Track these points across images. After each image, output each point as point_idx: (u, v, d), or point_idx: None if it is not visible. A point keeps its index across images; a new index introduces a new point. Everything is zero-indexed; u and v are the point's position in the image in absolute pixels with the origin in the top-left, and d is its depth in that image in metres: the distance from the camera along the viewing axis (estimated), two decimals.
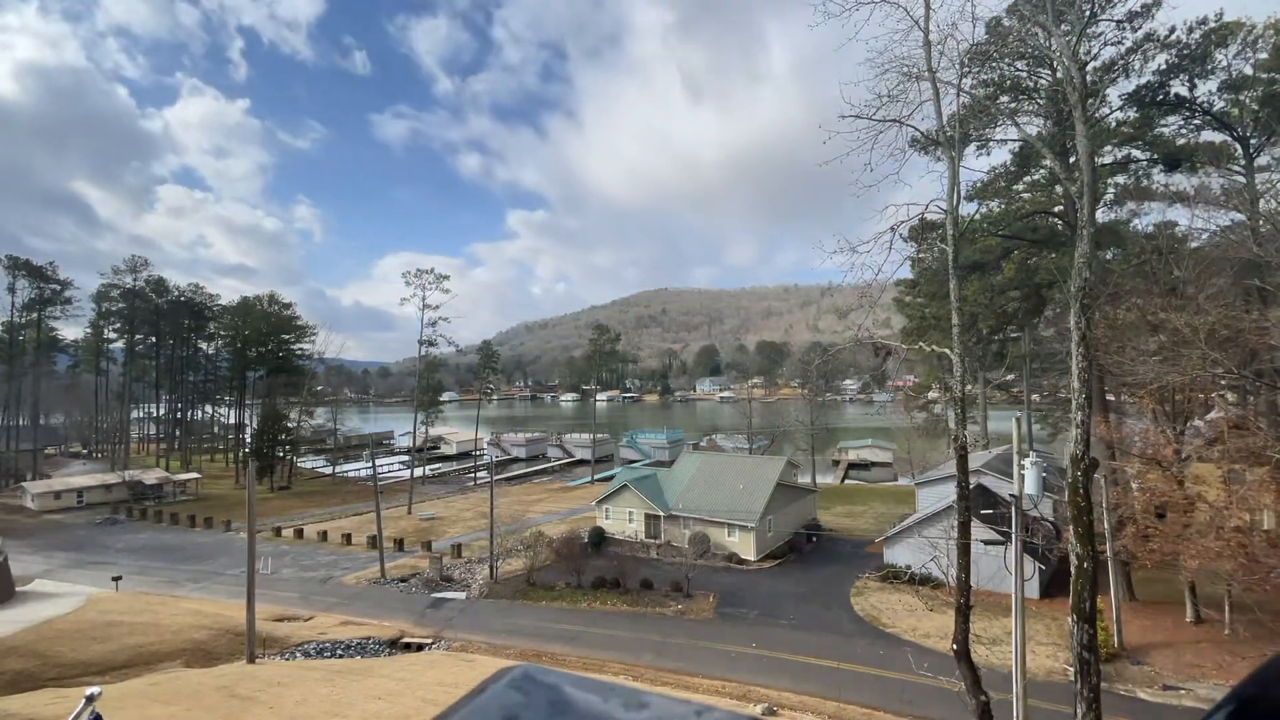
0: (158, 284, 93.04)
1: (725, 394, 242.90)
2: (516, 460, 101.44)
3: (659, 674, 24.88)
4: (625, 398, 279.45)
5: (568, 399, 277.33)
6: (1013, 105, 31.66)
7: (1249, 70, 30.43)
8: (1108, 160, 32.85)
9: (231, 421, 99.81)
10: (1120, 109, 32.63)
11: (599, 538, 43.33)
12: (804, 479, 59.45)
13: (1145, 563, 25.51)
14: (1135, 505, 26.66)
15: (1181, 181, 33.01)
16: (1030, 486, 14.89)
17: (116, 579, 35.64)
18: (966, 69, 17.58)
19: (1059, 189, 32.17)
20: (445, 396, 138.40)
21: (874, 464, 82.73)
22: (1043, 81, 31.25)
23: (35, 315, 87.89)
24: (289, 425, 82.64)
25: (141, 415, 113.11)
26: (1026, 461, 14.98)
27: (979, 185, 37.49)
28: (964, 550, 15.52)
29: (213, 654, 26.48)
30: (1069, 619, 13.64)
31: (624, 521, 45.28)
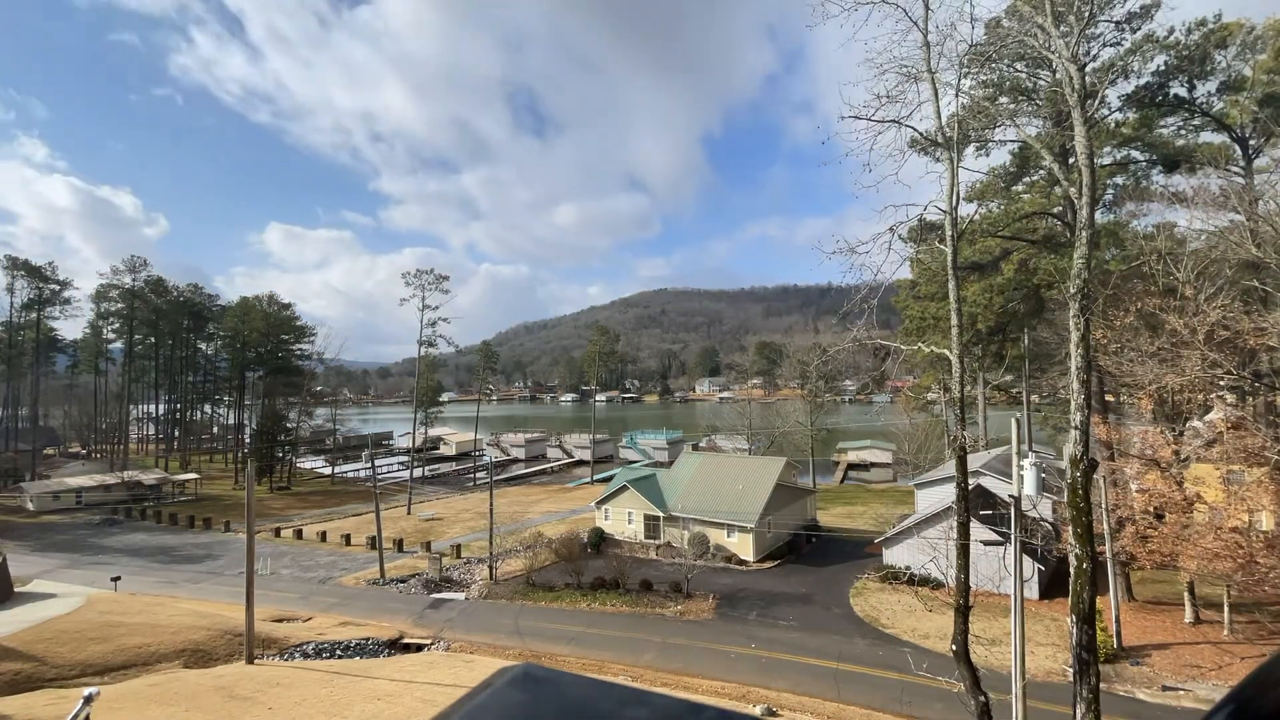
0: (157, 284, 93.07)
1: (725, 394, 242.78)
2: (516, 461, 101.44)
3: (659, 674, 24.86)
4: (625, 398, 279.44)
5: (567, 399, 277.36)
6: (1012, 106, 31.69)
7: (1248, 71, 30.46)
8: (1107, 161, 32.89)
9: (230, 422, 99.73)
10: (1119, 110, 32.68)
11: (598, 538, 43.31)
12: (803, 480, 59.44)
13: (1144, 563, 25.52)
14: (1134, 506, 26.67)
15: (1180, 182, 33.05)
16: (1029, 487, 14.91)
17: (115, 579, 35.59)
18: (966, 70, 17.59)
19: (1058, 190, 32.19)
20: (444, 397, 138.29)
21: (873, 464, 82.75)
22: (1042, 83, 31.29)
23: (34, 315, 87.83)
24: (288, 426, 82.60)
25: (140, 416, 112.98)
26: (1025, 462, 14.99)
27: (978, 186, 37.52)
28: (963, 551, 15.53)
29: (211, 654, 26.45)
30: (1068, 619, 13.65)
31: (623, 522, 45.26)
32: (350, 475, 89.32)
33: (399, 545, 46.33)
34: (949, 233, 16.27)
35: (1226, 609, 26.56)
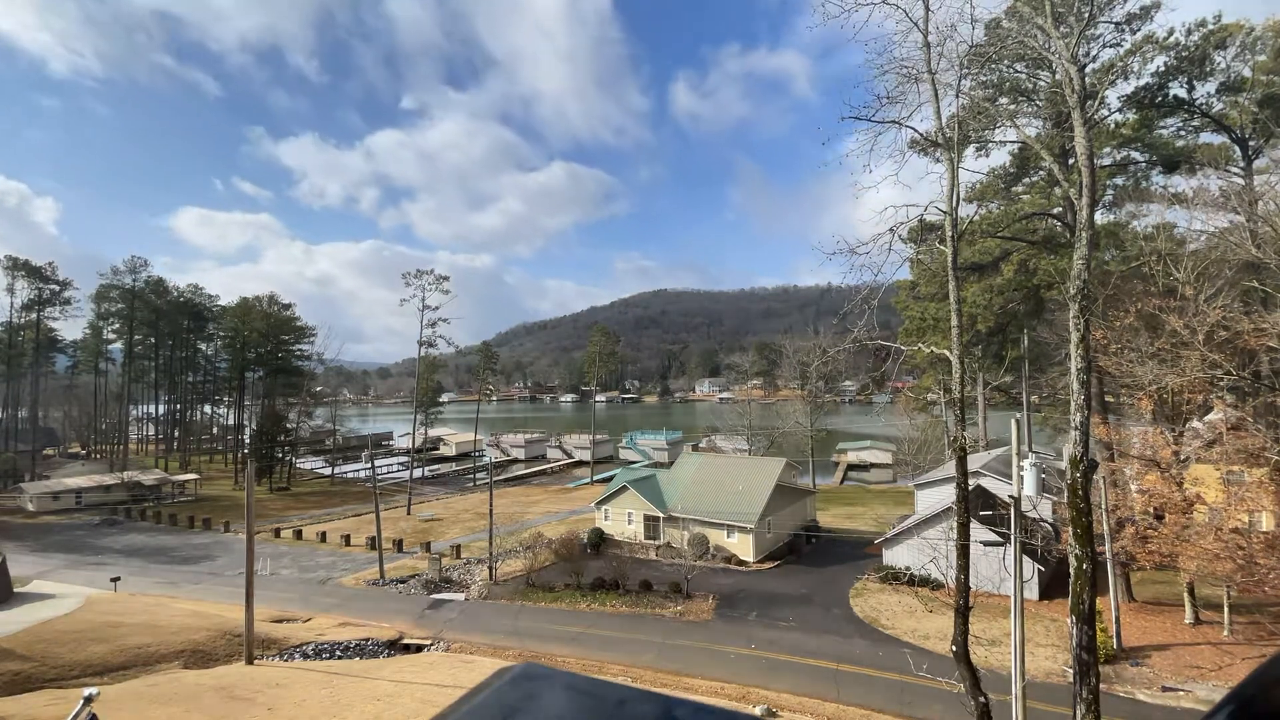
0: (157, 284, 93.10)
1: (724, 395, 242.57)
2: (516, 461, 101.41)
3: (658, 675, 24.85)
4: (625, 398, 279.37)
5: (567, 400, 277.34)
6: (1012, 107, 31.73)
7: (1248, 72, 30.50)
8: (1106, 162, 32.91)
9: (230, 422, 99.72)
10: (1119, 111, 32.70)
11: (598, 539, 43.29)
12: (803, 480, 59.43)
13: (1144, 564, 25.52)
14: (1134, 506, 26.69)
15: (1180, 183, 33.14)
16: (1029, 488, 14.90)
17: (115, 580, 35.57)
18: (966, 71, 17.60)
19: (1058, 190, 32.21)
20: (444, 397, 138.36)
21: (873, 465, 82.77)
22: (1042, 83, 31.31)
23: (34, 315, 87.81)
24: (288, 426, 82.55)
25: (140, 416, 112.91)
26: (1025, 463, 14.99)
27: (978, 187, 37.54)
28: (963, 552, 15.53)
29: (211, 655, 26.42)
30: (1068, 620, 13.65)
31: (623, 523, 45.24)
32: (350, 475, 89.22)
33: (399, 546, 46.30)
34: (949, 233, 16.28)
35: (1226, 610, 26.54)
